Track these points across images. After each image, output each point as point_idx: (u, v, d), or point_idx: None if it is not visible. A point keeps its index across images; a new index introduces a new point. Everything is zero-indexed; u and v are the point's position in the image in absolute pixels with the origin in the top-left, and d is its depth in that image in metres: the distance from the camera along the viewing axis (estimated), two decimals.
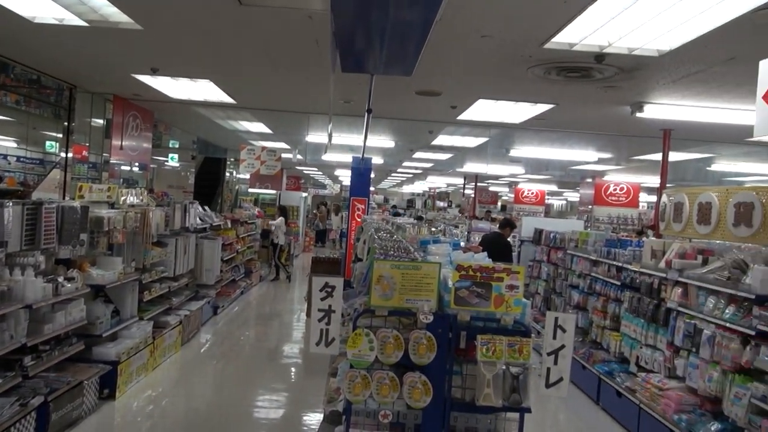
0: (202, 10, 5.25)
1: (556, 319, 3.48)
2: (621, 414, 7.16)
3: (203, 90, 9.00)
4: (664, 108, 7.66)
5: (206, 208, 11.95)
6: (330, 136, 12.41)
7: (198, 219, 10.60)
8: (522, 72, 6.34)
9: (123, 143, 10.65)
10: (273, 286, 16.18)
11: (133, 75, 8.26)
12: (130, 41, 6.46)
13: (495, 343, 3.31)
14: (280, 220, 16.50)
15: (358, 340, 3.28)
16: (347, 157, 14.77)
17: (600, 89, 6.91)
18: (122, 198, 7.60)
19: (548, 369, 3.46)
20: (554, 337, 3.47)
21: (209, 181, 17.76)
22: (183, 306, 9.58)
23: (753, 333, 5.15)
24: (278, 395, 7.58)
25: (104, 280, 6.54)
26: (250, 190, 22.39)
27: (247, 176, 21.40)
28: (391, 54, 4.13)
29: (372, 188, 37.90)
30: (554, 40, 5.12)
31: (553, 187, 28.08)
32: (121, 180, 11.77)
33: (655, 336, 6.82)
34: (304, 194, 25.18)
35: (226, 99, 9.50)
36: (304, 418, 6.87)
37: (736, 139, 9.31)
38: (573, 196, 31.92)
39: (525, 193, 25.68)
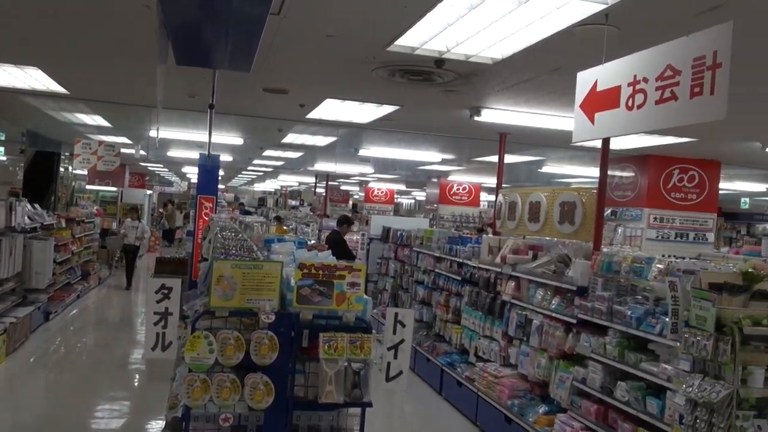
0: None
1: (396, 314, 3.60)
2: (462, 402, 7.52)
3: (31, 78, 8.29)
4: (499, 113, 8.13)
5: (37, 206, 11.09)
6: (158, 131, 11.93)
7: (26, 218, 9.79)
8: (367, 73, 6.47)
9: None
10: (113, 289, 15.30)
11: None
12: None
13: (337, 340, 3.36)
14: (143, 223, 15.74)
15: (196, 342, 3.19)
16: (195, 154, 14.28)
17: (441, 93, 7.20)
18: None
19: (388, 363, 3.57)
20: (394, 332, 3.58)
21: (41, 177, 16.39)
22: (8, 312, 8.82)
23: (574, 321, 5.61)
24: (119, 404, 7.18)
25: None
26: (89, 186, 20.97)
27: (86, 172, 20.03)
28: (224, 48, 4.03)
29: (222, 186, 36.93)
30: (397, 43, 5.27)
31: (402, 187, 28.88)
32: None
33: (492, 327, 7.22)
34: (149, 192, 24.01)
35: (58, 89, 8.82)
36: (147, 426, 6.58)
37: (563, 143, 10.07)
38: (421, 195, 33.01)
39: (375, 192, 26.21)
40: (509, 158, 12.46)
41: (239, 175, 31.21)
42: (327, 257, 3.92)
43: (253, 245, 4.62)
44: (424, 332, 9.40)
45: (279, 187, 37.50)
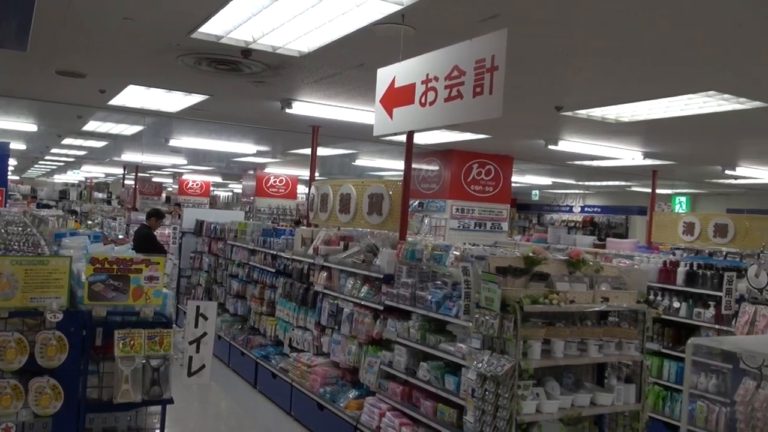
0: None
1: (198, 307, 3.53)
2: (276, 394, 7.54)
3: None
4: (310, 106, 8.21)
5: None
6: None
7: None
8: (172, 60, 6.22)
9: None
10: None
11: None
12: None
13: (134, 336, 3.24)
14: None
15: None
16: None
17: (251, 84, 7.13)
18: None
19: (190, 358, 3.50)
20: (196, 326, 3.52)
21: None
22: None
23: (381, 308, 5.85)
24: None
25: None
26: None
27: None
28: None
29: (15, 177, 33.46)
30: (201, 30, 5.13)
31: (218, 179, 28.16)
32: None
33: (305, 317, 7.32)
34: None
35: None
36: None
37: (373, 137, 10.42)
38: (238, 187, 32.41)
39: (190, 185, 25.28)
40: (323, 151, 12.67)
41: (36, 165, 28.49)
42: (125, 251, 3.76)
43: (42, 240, 4.30)
44: (239, 326, 9.29)
45: (84, 179, 34.78)
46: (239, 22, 4.89)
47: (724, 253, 9.65)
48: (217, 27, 5.05)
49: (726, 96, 6.35)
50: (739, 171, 12.56)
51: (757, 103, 6.53)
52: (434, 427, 5.06)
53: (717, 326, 6.35)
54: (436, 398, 5.13)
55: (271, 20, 4.80)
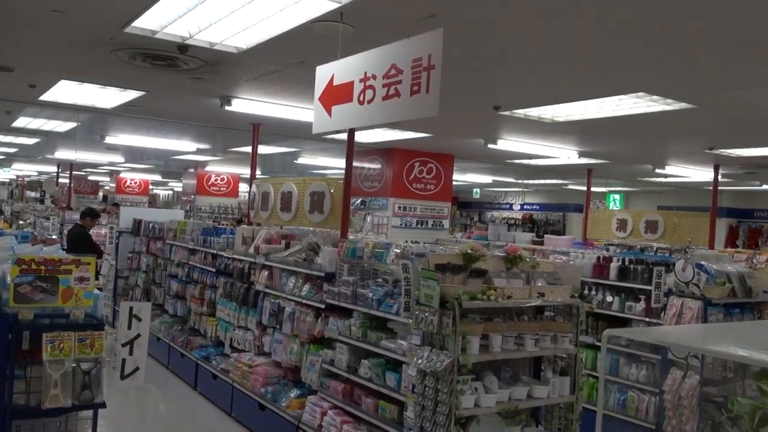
0: None
1: (131, 308, 3.47)
2: (216, 395, 7.44)
3: None
4: (250, 103, 8.12)
5: None
6: None
7: None
8: (105, 55, 6.05)
9: None
10: None
11: None
12: None
13: (63, 339, 3.15)
14: None
15: None
16: None
17: (189, 80, 7.00)
18: None
19: (123, 360, 3.43)
20: (129, 327, 3.45)
21: None
22: None
23: (323, 306, 5.84)
24: None
25: None
26: None
27: None
28: None
29: None
30: (135, 24, 5.01)
31: (158, 177, 27.53)
32: None
33: (246, 317, 7.24)
34: None
35: None
36: None
37: (315, 135, 10.37)
38: (179, 186, 31.77)
39: (128, 183, 24.68)
40: (264, 149, 12.55)
41: None
42: (55, 252, 3.64)
43: None
44: (178, 327, 9.12)
45: (15, 177, 33.45)
46: (175, 16, 4.79)
47: (655, 249, 10.03)
48: (151, 21, 4.94)
49: (655, 97, 6.59)
50: (669, 170, 13.05)
51: (683, 105, 6.80)
52: (376, 424, 5.08)
53: (647, 319, 6.57)
54: (377, 395, 5.15)
55: (207, 15, 4.73)
